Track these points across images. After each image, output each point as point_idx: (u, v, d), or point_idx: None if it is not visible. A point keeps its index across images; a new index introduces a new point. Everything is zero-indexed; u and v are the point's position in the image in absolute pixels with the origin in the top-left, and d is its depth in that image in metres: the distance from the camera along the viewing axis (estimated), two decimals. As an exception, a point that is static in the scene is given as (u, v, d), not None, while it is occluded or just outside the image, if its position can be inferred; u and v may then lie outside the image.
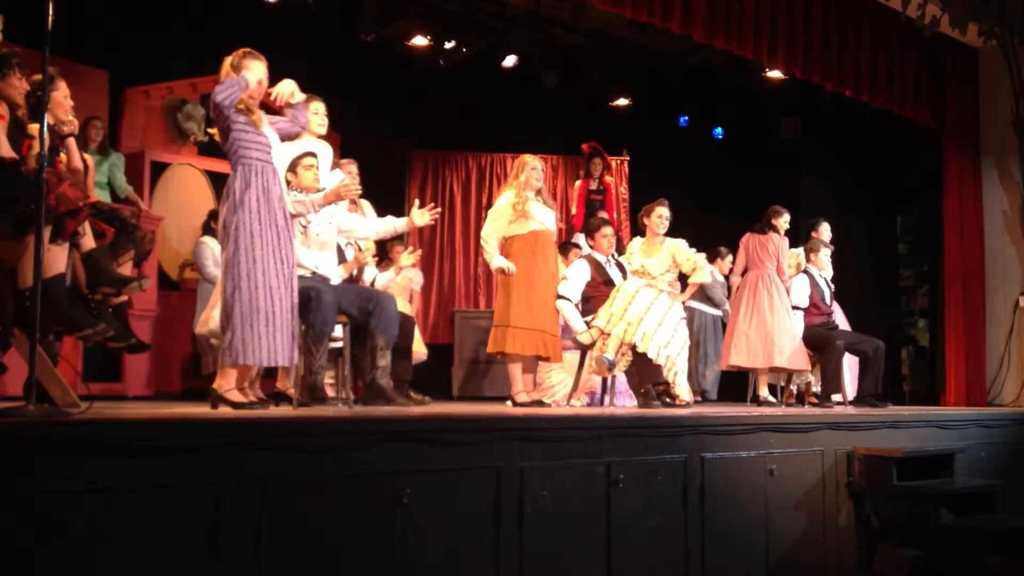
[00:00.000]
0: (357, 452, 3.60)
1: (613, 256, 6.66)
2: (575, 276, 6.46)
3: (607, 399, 6.39)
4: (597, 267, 6.52)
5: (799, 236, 8.42)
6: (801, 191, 10.65)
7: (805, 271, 7.39)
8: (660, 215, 6.57)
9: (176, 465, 3.14)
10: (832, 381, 7.01)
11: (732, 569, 4.97)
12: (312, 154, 5.17)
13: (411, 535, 3.70)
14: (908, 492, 5.59)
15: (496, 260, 6.20)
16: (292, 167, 5.07)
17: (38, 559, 2.82)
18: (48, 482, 2.86)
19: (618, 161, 10.95)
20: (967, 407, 8.42)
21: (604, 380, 6.42)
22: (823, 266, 7.43)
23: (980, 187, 9.18)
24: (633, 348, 5.91)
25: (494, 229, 6.26)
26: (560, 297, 6.32)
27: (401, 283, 8.78)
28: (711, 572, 4.83)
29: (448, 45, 9.28)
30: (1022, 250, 8.80)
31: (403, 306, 8.63)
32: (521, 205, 6.15)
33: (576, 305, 6.36)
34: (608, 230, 6.65)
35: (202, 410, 4.30)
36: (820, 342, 7.09)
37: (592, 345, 6.04)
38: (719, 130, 11.30)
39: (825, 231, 7.89)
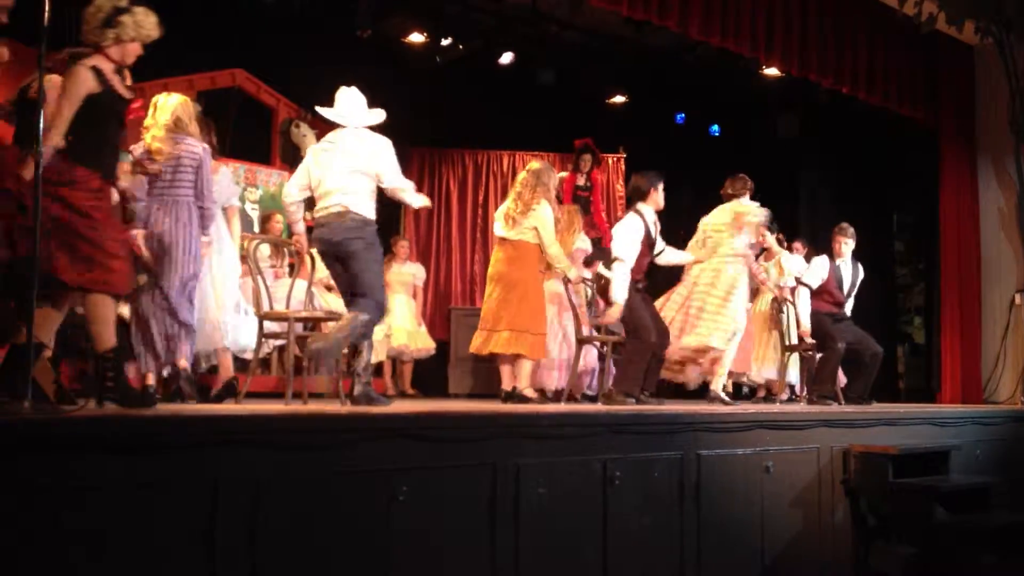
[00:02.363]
0: (353, 449, 3.59)
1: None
2: (631, 234, 6.22)
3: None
4: (645, 228, 6.30)
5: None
6: (798, 188, 10.68)
7: (828, 254, 7.36)
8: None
9: (171, 463, 3.13)
10: (826, 382, 7.02)
11: (728, 566, 4.97)
12: None
13: (407, 532, 3.70)
14: (903, 489, 5.59)
15: (575, 270, 6.42)
16: None
17: (33, 556, 2.81)
18: (42, 480, 2.85)
19: (615, 158, 10.95)
20: (963, 404, 8.44)
21: (602, 371, 6.55)
22: (843, 254, 7.36)
23: (976, 185, 9.20)
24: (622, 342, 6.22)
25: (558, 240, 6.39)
26: (615, 259, 6.14)
27: (404, 279, 8.83)
28: (707, 569, 4.83)
29: (445, 42, 9.27)
30: (1018, 248, 8.81)
31: (407, 302, 8.75)
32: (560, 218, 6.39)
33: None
34: (661, 185, 6.45)
35: (196, 407, 4.30)
36: (822, 338, 7.06)
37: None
38: (716, 127, 11.30)
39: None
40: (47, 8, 3.49)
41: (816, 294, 7.16)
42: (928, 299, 10.46)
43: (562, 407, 5.82)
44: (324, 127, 8.28)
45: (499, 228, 6.37)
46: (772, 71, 9.35)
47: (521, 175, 6.43)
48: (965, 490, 5.86)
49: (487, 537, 3.98)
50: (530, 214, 6.18)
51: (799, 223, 10.27)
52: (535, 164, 6.41)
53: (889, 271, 11.11)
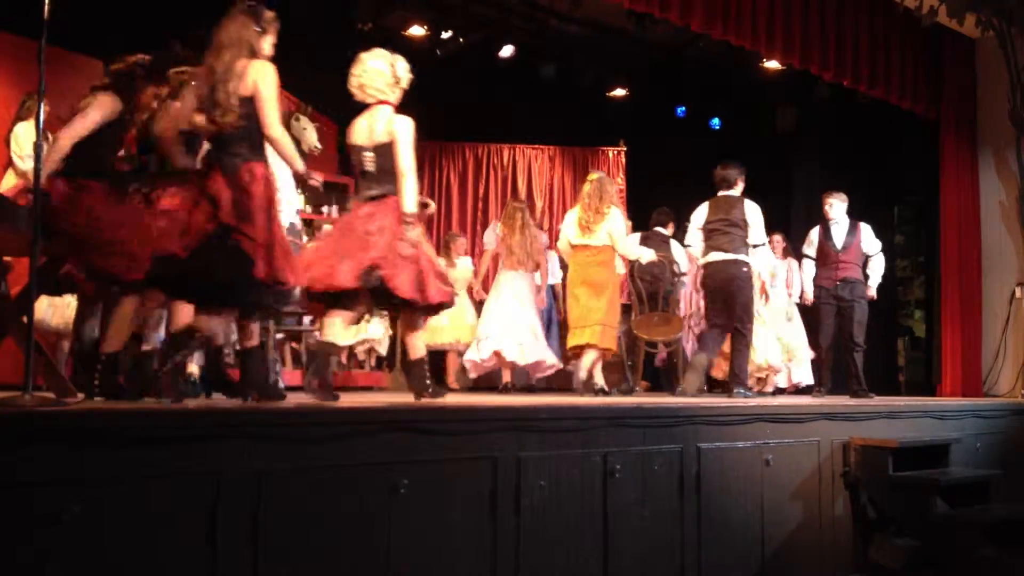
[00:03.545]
0: (354, 442, 3.60)
1: None
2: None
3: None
4: None
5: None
6: (798, 181, 10.67)
7: (821, 222, 7.63)
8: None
9: (173, 455, 3.13)
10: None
11: (728, 559, 4.98)
12: None
13: (408, 525, 3.70)
14: (904, 482, 5.60)
15: (648, 253, 7.16)
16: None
17: (33, 549, 2.82)
18: (44, 472, 2.85)
19: (615, 152, 10.94)
20: (963, 397, 8.45)
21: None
22: (830, 215, 7.56)
23: (977, 178, 9.19)
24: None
25: None
26: (758, 245, 6.89)
27: (466, 275, 9.04)
28: (707, 562, 4.84)
29: (445, 35, 9.26)
30: (1019, 241, 8.81)
31: (465, 297, 9.06)
32: None
33: None
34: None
35: (198, 400, 4.30)
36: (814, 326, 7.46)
37: None
38: (716, 120, 11.30)
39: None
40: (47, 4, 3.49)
41: (817, 262, 7.47)
42: (928, 292, 10.46)
43: (562, 400, 5.82)
44: (324, 120, 8.28)
45: (575, 235, 6.86)
46: (773, 64, 9.34)
47: (586, 187, 6.97)
48: (965, 483, 5.87)
49: (488, 529, 3.99)
50: (604, 219, 6.76)
51: (800, 216, 10.26)
52: (595, 175, 7.06)
53: (889, 264, 11.09)
